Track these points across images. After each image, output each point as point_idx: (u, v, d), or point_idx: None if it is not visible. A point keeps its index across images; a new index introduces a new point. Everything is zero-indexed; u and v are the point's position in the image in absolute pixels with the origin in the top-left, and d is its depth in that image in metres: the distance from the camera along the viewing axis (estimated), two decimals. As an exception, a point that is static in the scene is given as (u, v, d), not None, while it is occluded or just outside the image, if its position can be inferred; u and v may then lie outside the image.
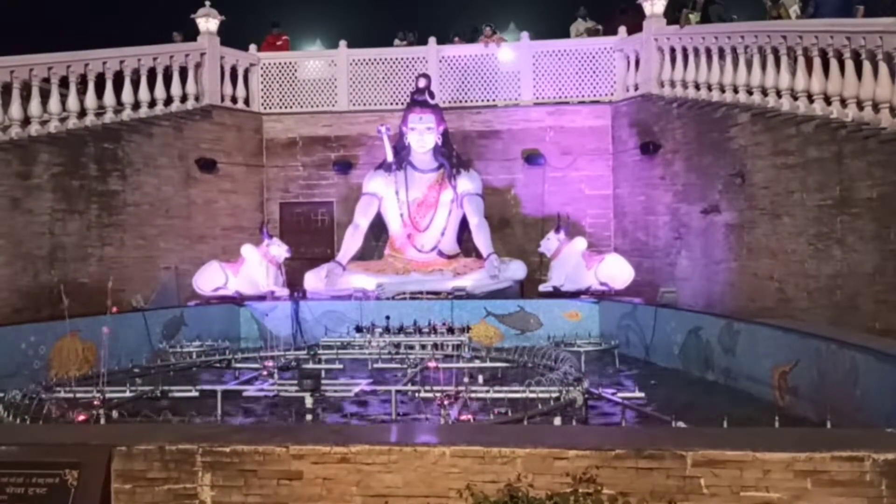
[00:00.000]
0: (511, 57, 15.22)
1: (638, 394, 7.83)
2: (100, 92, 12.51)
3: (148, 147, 13.12)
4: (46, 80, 11.80)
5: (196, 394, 7.91)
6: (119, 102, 12.74)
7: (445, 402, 6.94)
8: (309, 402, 7.43)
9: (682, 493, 3.91)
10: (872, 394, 6.53)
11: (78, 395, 7.68)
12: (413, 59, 15.40)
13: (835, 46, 9.62)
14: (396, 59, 15.51)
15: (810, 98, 10.12)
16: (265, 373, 9.03)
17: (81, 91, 12.29)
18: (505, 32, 16.68)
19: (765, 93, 10.97)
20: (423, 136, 14.14)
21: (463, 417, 6.78)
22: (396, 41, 16.24)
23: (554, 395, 7.30)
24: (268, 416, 7.55)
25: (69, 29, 17.94)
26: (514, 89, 15.18)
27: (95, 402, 7.09)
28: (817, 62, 10.00)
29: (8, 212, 10.76)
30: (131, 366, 9.29)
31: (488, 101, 15.22)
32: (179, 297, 12.97)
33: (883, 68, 8.93)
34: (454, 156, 14.50)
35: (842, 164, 9.22)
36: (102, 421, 6.61)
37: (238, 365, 9.98)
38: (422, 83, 14.32)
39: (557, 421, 6.50)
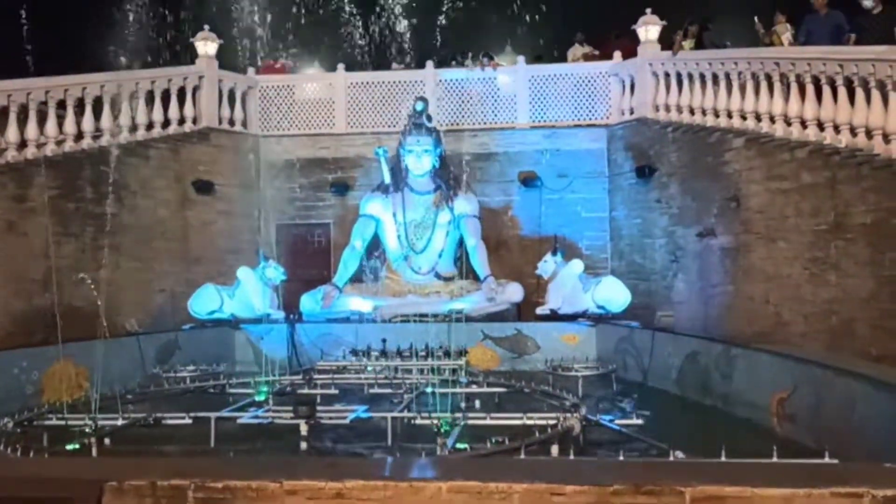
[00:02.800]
0: (508, 80, 15.31)
1: (636, 421, 7.78)
2: (97, 114, 12.52)
3: (144, 170, 13.11)
4: (44, 104, 11.81)
5: (189, 421, 7.82)
6: (116, 125, 12.75)
7: (442, 430, 6.90)
8: (304, 429, 7.37)
9: (681, 529, 3.87)
10: (870, 422, 6.50)
11: (69, 423, 7.61)
12: (411, 82, 15.47)
13: (827, 73, 9.70)
14: (394, 81, 15.59)
15: (803, 124, 10.19)
16: (259, 398, 8.96)
17: (78, 114, 12.31)
18: (502, 56, 16.80)
19: (758, 118, 11.04)
20: (420, 158, 14.17)
21: (459, 446, 6.73)
22: (394, 64, 16.34)
23: (551, 422, 7.26)
24: (262, 444, 7.48)
25: (66, 51, 17.99)
26: (511, 112, 15.25)
27: (87, 430, 7.03)
28: (810, 89, 10.08)
29: (2, 235, 10.73)
30: (124, 391, 9.21)
31: (485, 123, 15.27)
32: (174, 320, 12.91)
33: (875, 95, 8.99)
34: (451, 178, 14.53)
35: (836, 190, 9.25)
36: (94, 451, 6.55)
37: (232, 390, 9.90)
38: (419, 106, 14.37)
39: (555, 449, 6.44)
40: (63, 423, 7.65)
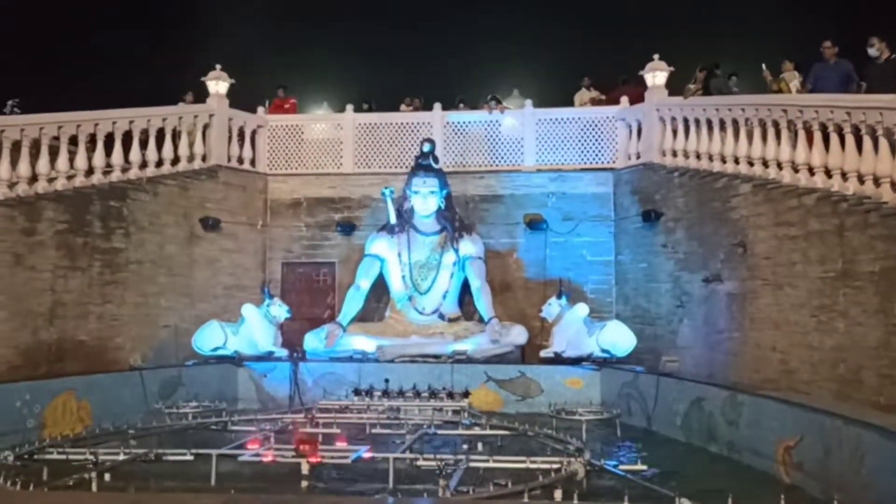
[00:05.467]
0: (514, 123, 15.45)
1: (640, 466, 7.70)
2: (108, 150, 12.65)
3: (153, 206, 13.20)
4: (56, 139, 11.94)
5: (191, 457, 7.76)
6: (127, 161, 12.87)
7: (444, 472, 6.82)
8: (305, 468, 7.31)
9: (688, 578, 3.80)
10: (879, 472, 6.40)
11: (70, 457, 7.55)
12: (418, 123, 15.63)
13: (835, 121, 9.75)
14: (402, 123, 15.73)
15: (811, 171, 10.21)
16: (261, 436, 8.89)
17: (90, 149, 12.43)
18: (509, 99, 16.97)
19: (766, 164, 11.08)
20: (426, 199, 14.26)
21: (461, 488, 6.65)
22: (402, 106, 16.52)
23: (555, 466, 7.18)
24: (263, 482, 7.39)
25: (79, 85, 18.29)
26: (518, 155, 15.36)
27: (88, 465, 6.98)
28: (818, 136, 10.13)
29: (10, 268, 10.75)
30: (126, 426, 9.15)
31: (492, 166, 15.38)
32: (178, 356, 12.87)
33: (883, 143, 9.03)
34: (457, 219, 14.60)
35: (843, 237, 9.24)
36: (94, 486, 6.48)
37: (234, 427, 9.85)
38: (426, 147, 14.50)
39: (558, 494, 6.35)
40: (64, 457, 7.60)
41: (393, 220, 14.38)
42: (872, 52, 10.35)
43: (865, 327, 8.77)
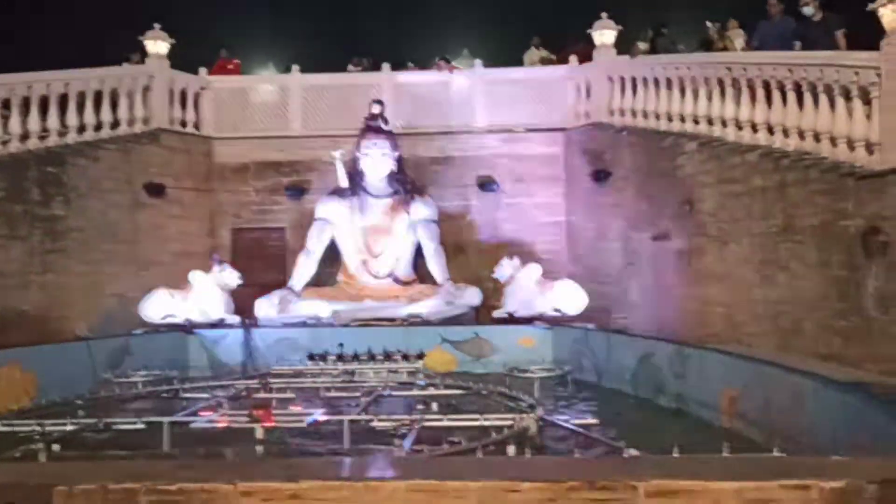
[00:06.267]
0: (465, 84, 15.35)
1: (591, 420, 7.87)
2: (43, 114, 12.22)
3: (93, 171, 12.83)
4: (-12, 103, 11.52)
5: (142, 426, 7.67)
6: (63, 125, 12.46)
7: (399, 432, 6.88)
8: (259, 433, 7.28)
9: (635, 524, 3.90)
10: (817, 418, 6.66)
11: (16, 429, 7.40)
12: (367, 84, 15.41)
13: (777, 78, 9.91)
14: (350, 84, 15.50)
15: (754, 127, 10.38)
16: (214, 403, 8.83)
17: (24, 113, 12.00)
18: (458, 59, 16.84)
19: (710, 122, 11.24)
20: (377, 161, 14.12)
21: (416, 447, 6.71)
22: (350, 67, 16.26)
23: (508, 423, 7.29)
24: (216, 448, 7.35)
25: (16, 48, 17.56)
26: (468, 116, 15.28)
27: (35, 436, 6.85)
28: (761, 93, 10.28)
29: (-54, 238, 10.41)
30: (74, 397, 8.98)
31: (442, 127, 15.28)
32: (125, 325, 12.64)
33: (823, 99, 9.21)
34: (409, 182, 14.51)
35: (785, 193, 9.45)
36: (43, 457, 6.37)
37: (186, 395, 9.76)
38: (376, 109, 14.33)
39: (512, 449, 6.46)
40: (9, 428, 7.43)
41: (344, 183, 14.23)
42: (807, 10, 10.53)
43: (806, 280, 9.02)
